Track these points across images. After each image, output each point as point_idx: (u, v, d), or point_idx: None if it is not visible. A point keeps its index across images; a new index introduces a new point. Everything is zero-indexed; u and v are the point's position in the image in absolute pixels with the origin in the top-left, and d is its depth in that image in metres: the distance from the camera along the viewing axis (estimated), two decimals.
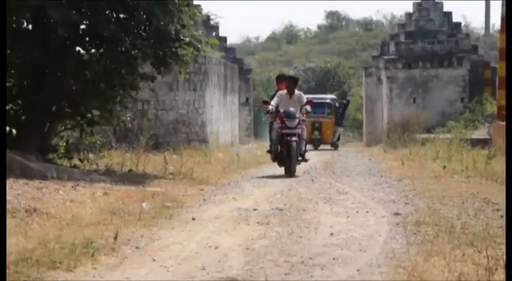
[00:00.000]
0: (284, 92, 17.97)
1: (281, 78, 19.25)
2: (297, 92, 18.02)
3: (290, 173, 16.86)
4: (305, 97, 18.19)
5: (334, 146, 33.83)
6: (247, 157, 21.50)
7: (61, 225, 8.89)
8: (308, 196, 12.90)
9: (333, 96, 36.30)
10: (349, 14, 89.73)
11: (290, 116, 17.23)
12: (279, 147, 17.45)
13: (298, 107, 17.61)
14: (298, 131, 17.27)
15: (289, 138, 17.04)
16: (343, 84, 58.25)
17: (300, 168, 17.42)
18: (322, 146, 33.59)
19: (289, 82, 18.26)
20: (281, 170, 17.32)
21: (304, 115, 17.78)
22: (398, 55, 36.45)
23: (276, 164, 17.86)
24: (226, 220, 10.11)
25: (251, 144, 32.01)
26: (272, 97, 18.60)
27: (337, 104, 34.48)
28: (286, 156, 17.09)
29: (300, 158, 17.44)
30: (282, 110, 17.46)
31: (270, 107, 17.58)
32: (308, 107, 17.76)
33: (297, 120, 17.24)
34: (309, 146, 24.95)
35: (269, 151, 18.27)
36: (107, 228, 8.84)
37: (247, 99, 38.21)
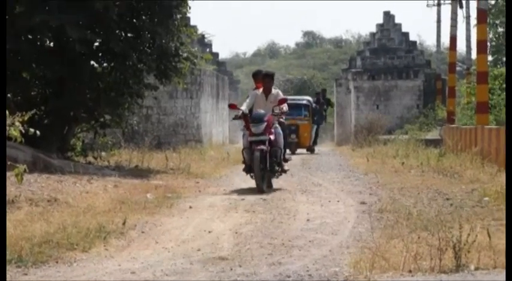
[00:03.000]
0: (259, 91, 12.94)
1: (258, 75, 13.55)
2: (274, 91, 12.97)
3: (258, 188, 12.08)
4: (282, 95, 13.15)
5: (311, 150, 27.64)
6: (236, 155, 21.42)
7: (78, 212, 8.86)
8: (288, 187, 12.87)
9: (309, 97, 30.40)
10: (322, 33, 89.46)
11: (256, 120, 12.28)
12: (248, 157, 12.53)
13: None
14: (270, 137, 12.33)
15: (254, 147, 12.22)
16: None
17: None
18: (298, 150, 26.81)
19: (264, 80, 13.01)
20: None
21: (282, 116, 12.93)
22: (364, 68, 36.52)
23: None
24: (218, 208, 10.09)
25: (239, 144, 31.92)
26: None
27: (313, 105, 28.68)
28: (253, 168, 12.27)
29: (277, 168, 12.73)
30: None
31: (237, 111, 12.88)
32: (284, 107, 12.71)
33: (264, 124, 12.23)
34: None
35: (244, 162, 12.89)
36: (116, 215, 8.81)
37: None
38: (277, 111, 12.57)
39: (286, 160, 13.05)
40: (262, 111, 12.51)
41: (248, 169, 12.51)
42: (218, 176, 15.38)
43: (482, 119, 18.98)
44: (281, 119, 12.94)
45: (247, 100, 13.02)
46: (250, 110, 12.73)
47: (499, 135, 15.82)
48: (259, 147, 12.13)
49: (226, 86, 35.73)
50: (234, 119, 13.55)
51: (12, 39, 14.63)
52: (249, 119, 12.43)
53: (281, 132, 12.66)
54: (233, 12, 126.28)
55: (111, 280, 5.91)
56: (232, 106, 13.49)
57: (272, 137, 12.38)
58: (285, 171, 13.03)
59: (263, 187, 12.12)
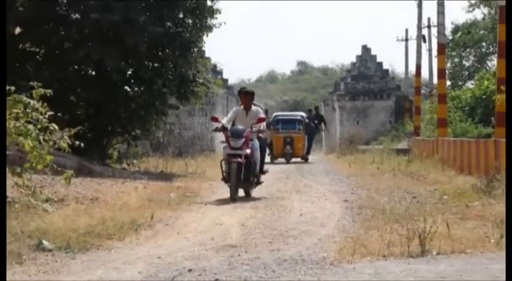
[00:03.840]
0: (241, 107, 11.52)
1: (241, 93, 11.99)
2: (254, 107, 11.46)
3: (231, 197, 10.64)
4: (262, 113, 11.57)
5: (305, 159, 25.29)
6: None
7: (114, 209, 8.86)
8: (285, 188, 12.85)
9: (302, 113, 28.40)
10: (312, 62, 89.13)
11: (235, 134, 10.88)
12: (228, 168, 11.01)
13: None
14: (247, 151, 10.87)
15: (231, 159, 10.82)
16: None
17: (278, 170, 17.08)
18: (293, 159, 24.67)
19: (245, 97, 11.55)
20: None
21: (263, 134, 11.56)
22: (346, 91, 36.46)
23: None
24: (228, 206, 10.08)
25: None
26: None
27: (306, 120, 26.10)
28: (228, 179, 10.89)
29: (254, 180, 11.28)
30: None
31: (218, 124, 11.42)
32: (262, 126, 11.38)
33: (243, 139, 10.83)
34: (281, 160, 24.16)
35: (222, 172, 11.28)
36: (145, 211, 8.81)
37: None
38: (254, 129, 11.15)
39: (263, 172, 11.63)
40: (241, 127, 11.05)
41: (225, 180, 11.08)
42: None
43: (442, 132, 18.99)
44: (261, 135, 11.47)
45: (229, 115, 11.62)
46: (233, 123, 11.37)
47: (455, 145, 15.84)
48: (236, 160, 10.73)
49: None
50: (214, 131, 12.16)
51: (62, 69, 14.73)
52: (229, 133, 10.98)
53: (258, 147, 11.20)
54: (240, 46, 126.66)
55: (142, 263, 5.92)
56: (213, 119, 11.93)
57: (248, 151, 10.91)
58: (260, 183, 11.57)
59: (235, 196, 10.68)
